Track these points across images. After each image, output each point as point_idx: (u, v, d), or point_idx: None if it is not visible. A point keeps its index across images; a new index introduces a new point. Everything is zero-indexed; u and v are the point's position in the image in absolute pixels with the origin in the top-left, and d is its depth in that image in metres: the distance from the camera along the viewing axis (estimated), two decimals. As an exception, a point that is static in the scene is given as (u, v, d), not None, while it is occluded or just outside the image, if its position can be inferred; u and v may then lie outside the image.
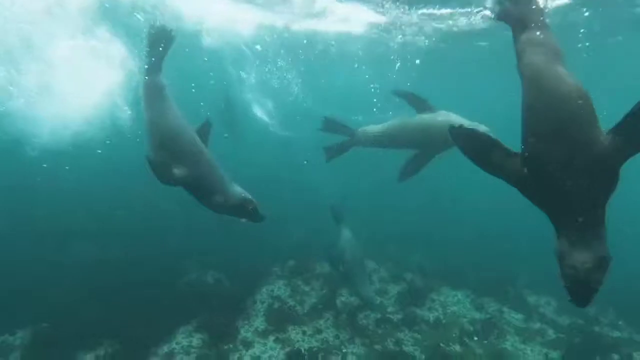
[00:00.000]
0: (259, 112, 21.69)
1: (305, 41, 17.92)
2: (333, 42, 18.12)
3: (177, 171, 4.93)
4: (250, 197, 5.27)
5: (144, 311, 10.73)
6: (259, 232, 15.76)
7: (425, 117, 6.94)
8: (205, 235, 15.77)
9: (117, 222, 15.52)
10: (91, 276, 11.70)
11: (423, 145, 7.11)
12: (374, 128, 7.87)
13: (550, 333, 11.85)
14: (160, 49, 6.11)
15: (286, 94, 22.51)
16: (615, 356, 10.61)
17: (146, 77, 5.90)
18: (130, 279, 12.54)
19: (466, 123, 5.84)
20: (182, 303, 11.38)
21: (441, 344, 11.00)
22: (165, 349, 9.89)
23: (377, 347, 10.53)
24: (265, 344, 10.13)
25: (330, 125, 8.22)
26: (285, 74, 20.51)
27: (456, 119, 6.56)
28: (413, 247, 18.19)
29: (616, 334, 12.10)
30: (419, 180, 7.74)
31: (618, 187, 3.10)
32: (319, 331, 10.78)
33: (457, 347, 10.95)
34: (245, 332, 10.55)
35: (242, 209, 5.18)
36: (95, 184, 18.19)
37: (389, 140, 7.59)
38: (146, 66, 6.06)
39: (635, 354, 10.83)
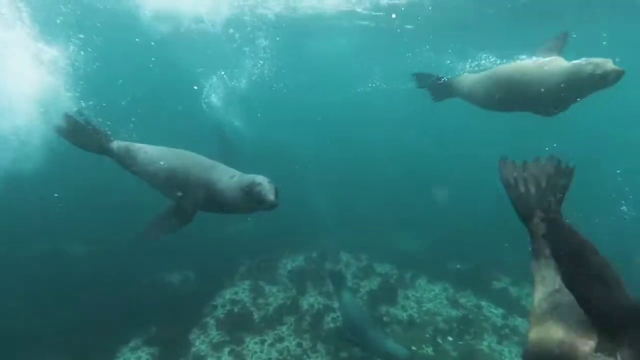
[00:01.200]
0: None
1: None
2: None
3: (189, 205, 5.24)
4: (254, 181, 4.75)
5: (93, 319, 9.97)
6: (232, 227, 15.33)
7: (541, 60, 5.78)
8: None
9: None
10: (41, 276, 11.02)
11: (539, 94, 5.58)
12: (473, 76, 6.98)
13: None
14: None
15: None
16: (598, 356, 9.89)
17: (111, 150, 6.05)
18: (90, 278, 12.00)
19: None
20: (137, 309, 10.57)
21: (413, 347, 10.27)
22: (108, 368, 9.08)
23: (343, 354, 9.77)
24: (219, 358, 9.33)
25: (423, 78, 7.83)
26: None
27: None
28: (392, 230, 17.49)
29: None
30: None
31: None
32: (280, 339, 9.98)
33: (430, 350, 10.23)
34: (200, 344, 9.74)
35: (249, 198, 4.69)
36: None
37: (494, 89, 6.34)
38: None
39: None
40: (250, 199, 4.56)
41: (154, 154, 5.58)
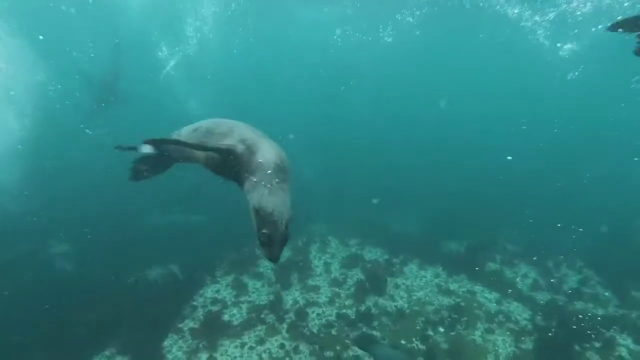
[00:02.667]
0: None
1: None
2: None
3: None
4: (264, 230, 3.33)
5: (70, 325, 9.60)
6: (220, 220, 14.80)
7: None
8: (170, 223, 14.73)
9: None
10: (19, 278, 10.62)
11: None
12: None
13: (525, 316, 10.63)
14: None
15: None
16: (596, 343, 9.40)
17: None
18: (70, 280, 11.67)
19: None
20: (115, 313, 10.13)
21: (402, 341, 9.80)
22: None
23: (328, 353, 9.30)
24: (196, 366, 8.87)
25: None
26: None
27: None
28: (385, 210, 16.93)
29: (600, 310, 10.85)
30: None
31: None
32: (262, 341, 9.50)
33: (420, 343, 9.74)
34: (176, 351, 9.26)
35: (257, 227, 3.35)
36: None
37: None
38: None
39: (618, 338, 9.63)
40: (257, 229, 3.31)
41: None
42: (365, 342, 9.32)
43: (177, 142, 3.94)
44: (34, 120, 15.12)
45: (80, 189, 16.18)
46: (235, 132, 3.91)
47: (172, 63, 17.97)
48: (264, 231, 3.13)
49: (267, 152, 3.62)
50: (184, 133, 4.46)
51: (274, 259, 3.16)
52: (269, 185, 3.38)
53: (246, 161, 3.63)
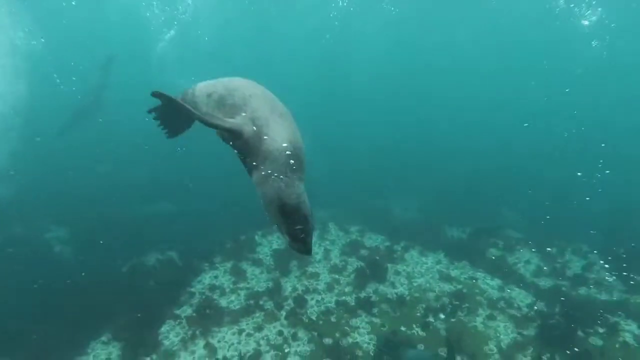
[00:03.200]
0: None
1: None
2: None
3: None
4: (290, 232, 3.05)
5: (67, 309, 9.51)
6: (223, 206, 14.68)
7: None
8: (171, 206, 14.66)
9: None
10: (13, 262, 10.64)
11: None
12: None
13: (528, 302, 10.45)
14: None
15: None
16: (600, 329, 9.22)
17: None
18: (67, 265, 11.66)
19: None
20: (113, 299, 10.00)
21: (402, 327, 9.66)
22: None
23: (327, 340, 9.17)
24: (193, 352, 8.75)
25: None
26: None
27: None
28: (388, 194, 16.80)
29: (604, 296, 10.65)
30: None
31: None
32: (259, 328, 9.37)
33: (420, 330, 9.60)
34: (173, 337, 9.16)
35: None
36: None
37: None
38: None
39: (623, 323, 9.45)
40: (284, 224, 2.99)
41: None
42: (393, 347, 9.06)
43: (182, 107, 3.42)
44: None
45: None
46: (249, 107, 3.37)
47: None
48: (298, 227, 2.86)
49: (279, 137, 3.15)
50: (199, 94, 3.90)
51: (309, 251, 2.92)
52: (282, 177, 3.00)
53: (254, 146, 3.17)
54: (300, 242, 2.88)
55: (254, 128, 3.20)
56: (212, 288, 10.79)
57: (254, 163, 3.16)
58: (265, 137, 3.14)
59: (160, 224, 13.85)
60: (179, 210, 14.90)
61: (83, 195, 14.93)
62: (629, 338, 8.93)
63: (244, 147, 3.24)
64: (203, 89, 3.88)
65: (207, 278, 11.23)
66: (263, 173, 3.06)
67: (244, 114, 3.35)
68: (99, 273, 11.00)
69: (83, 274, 11.18)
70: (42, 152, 17.04)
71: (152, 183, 17.20)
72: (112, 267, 11.99)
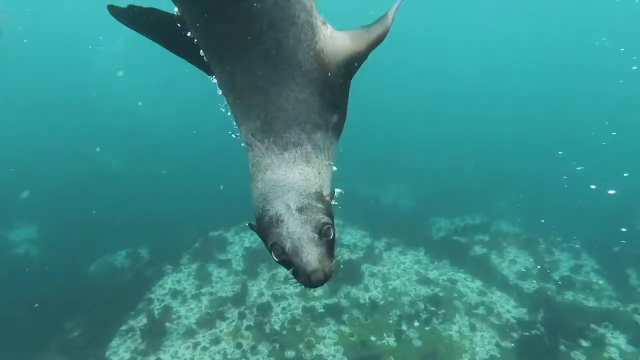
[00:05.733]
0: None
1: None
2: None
3: None
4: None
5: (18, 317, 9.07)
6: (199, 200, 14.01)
7: None
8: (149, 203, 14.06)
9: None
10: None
11: None
12: None
13: (509, 308, 9.74)
14: None
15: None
16: (584, 342, 8.51)
17: None
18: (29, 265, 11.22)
19: None
20: (66, 307, 9.51)
21: (372, 337, 9.02)
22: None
23: (289, 353, 8.56)
24: (143, 370, 8.18)
25: None
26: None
27: None
28: (373, 183, 16.05)
29: (592, 302, 9.88)
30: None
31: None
32: (217, 340, 8.76)
33: (391, 340, 8.96)
34: (123, 352, 8.57)
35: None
36: None
37: None
38: None
39: (610, 336, 8.71)
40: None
41: None
42: None
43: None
44: None
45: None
46: None
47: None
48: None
49: None
50: None
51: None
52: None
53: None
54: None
55: None
56: (174, 294, 10.16)
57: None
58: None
59: (130, 222, 13.21)
60: (148, 205, 14.19)
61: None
62: (614, 354, 8.21)
63: None
64: None
65: (169, 282, 10.59)
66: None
67: None
68: (53, 279, 10.45)
69: (45, 272, 10.74)
70: None
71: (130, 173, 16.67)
72: (79, 271, 11.47)
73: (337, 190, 2.30)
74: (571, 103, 26.36)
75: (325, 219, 1.99)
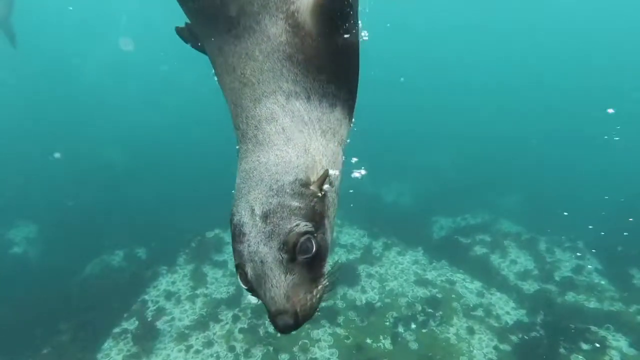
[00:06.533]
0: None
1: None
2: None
3: None
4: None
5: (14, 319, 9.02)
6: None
7: None
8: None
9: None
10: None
11: None
12: None
13: (508, 310, 9.54)
14: None
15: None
16: (585, 345, 8.29)
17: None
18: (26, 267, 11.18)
19: None
20: (59, 308, 9.49)
21: (368, 340, 8.86)
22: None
23: (283, 356, 8.43)
24: (133, 374, 8.07)
25: None
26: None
27: None
28: (374, 181, 15.89)
29: (593, 303, 9.65)
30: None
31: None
32: (210, 344, 8.64)
33: (387, 342, 8.80)
34: (115, 355, 8.47)
35: None
36: None
37: None
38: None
39: (611, 338, 8.49)
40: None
41: None
42: None
43: None
44: None
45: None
46: None
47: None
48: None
49: None
50: None
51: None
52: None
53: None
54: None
55: None
56: (168, 295, 10.04)
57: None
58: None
59: (128, 221, 13.16)
60: (148, 205, 14.12)
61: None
62: (615, 357, 7.99)
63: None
64: None
65: (164, 283, 10.48)
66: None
67: None
68: (49, 280, 10.42)
69: (44, 278, 10.70)
70: None
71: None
72: (74, 272, 11.41)
73: (333, 173, 1.85)
74: (574, 102, 26.02)
75: (302, 227, 1.57)
